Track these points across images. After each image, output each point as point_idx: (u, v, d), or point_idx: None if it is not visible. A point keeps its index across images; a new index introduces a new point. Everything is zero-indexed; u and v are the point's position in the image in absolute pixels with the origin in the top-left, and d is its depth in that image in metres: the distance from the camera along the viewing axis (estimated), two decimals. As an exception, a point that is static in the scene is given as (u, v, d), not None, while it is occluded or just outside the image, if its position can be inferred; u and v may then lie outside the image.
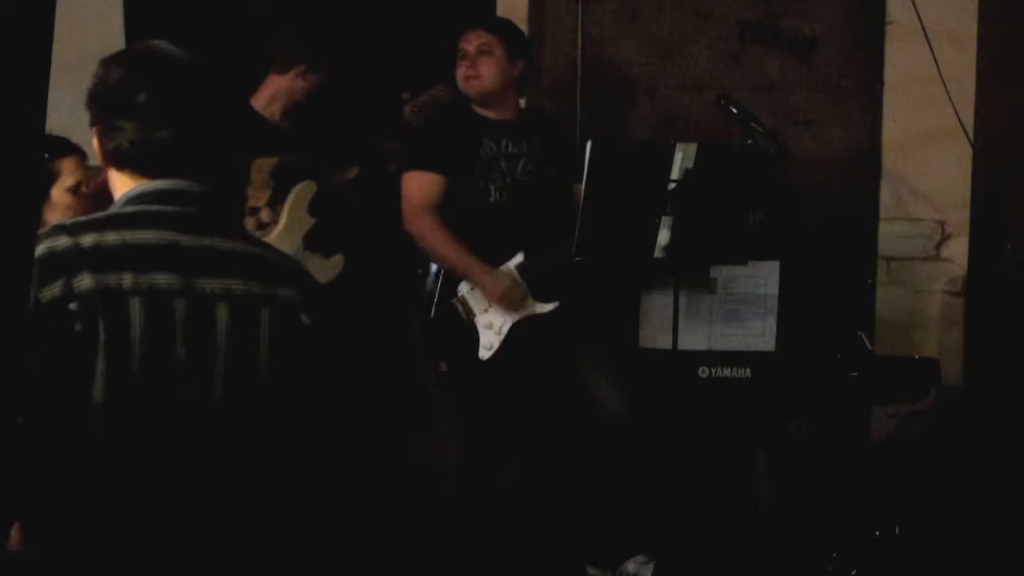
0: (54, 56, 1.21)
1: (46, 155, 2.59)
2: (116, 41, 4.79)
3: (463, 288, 4.28)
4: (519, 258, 4.28)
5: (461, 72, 4.35)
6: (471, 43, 4.35)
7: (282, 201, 4.61)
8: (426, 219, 4.28)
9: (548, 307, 4.28)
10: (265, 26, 5.03)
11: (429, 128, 4.44)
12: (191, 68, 2.13)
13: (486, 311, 4.26)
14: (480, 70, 4.33)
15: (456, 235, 4.23)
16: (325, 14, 5.06)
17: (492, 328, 4.26)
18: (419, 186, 4.31)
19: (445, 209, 4.28)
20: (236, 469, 2.08)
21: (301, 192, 4.61)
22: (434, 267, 4.37)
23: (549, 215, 4.27)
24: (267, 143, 4.63)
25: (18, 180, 1.17)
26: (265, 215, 4.59)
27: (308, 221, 4.61)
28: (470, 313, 4.27)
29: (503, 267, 4.27)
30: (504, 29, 4.42)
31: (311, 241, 4.62)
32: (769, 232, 4.45)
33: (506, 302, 4.23)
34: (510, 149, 4.31)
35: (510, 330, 4.24)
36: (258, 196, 4.61)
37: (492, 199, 4.27)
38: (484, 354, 4.24)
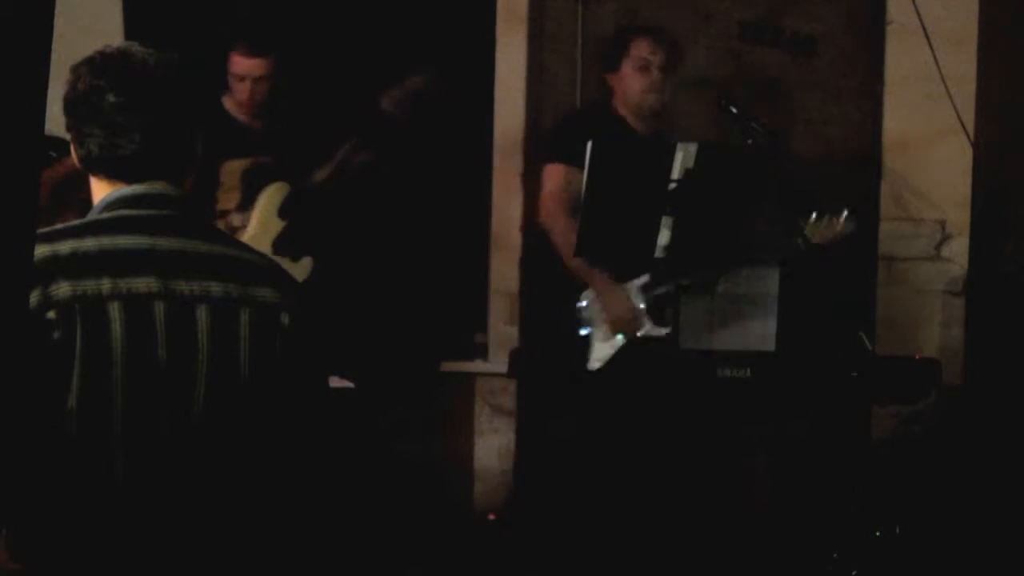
0: (54, 56, 1.21)
1: (53, 154, 2.59)
2: (115, 41, 4.78)
3: (586, 297, 4.25)
4: (644, 278, 4.24)
5: (643, 84, 4.28)
6: (657, 55, 4.29)
7: (252, 204, 4.54)
8: (560, 215, 4.21)
9: (663, 331, 4.25)
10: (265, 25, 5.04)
11: (577, 123, 4.38)
12: (160, 70, 2.12)
13: (605, 323, 4.23)
14: (665, 86, 4.29)
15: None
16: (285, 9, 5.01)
17: (608, 341, 4.23)
18: (560, 178, 4.24)
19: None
20: (219, 471, 2.07)
21: (272, 195, 4.52)
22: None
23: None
24: (237, 144, 4.56)
25: (18, 180, 1.17)
26: (236, 219, 4.52)
27: (278, 224, 4.52)
28: (588, 323, 4.24)
29: (627, 285, 4.24)
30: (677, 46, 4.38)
31: (280, 245, 4.55)
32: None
33: (619, 324, 4.20)
34: None
35: (623, 347, 4.21)
36: (228, 199, 4.54)
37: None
38: (594, 365, 4.22)
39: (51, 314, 1.96)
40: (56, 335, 1.96)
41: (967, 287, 4.98)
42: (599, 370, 4.21)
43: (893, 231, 5.05)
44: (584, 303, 4.24)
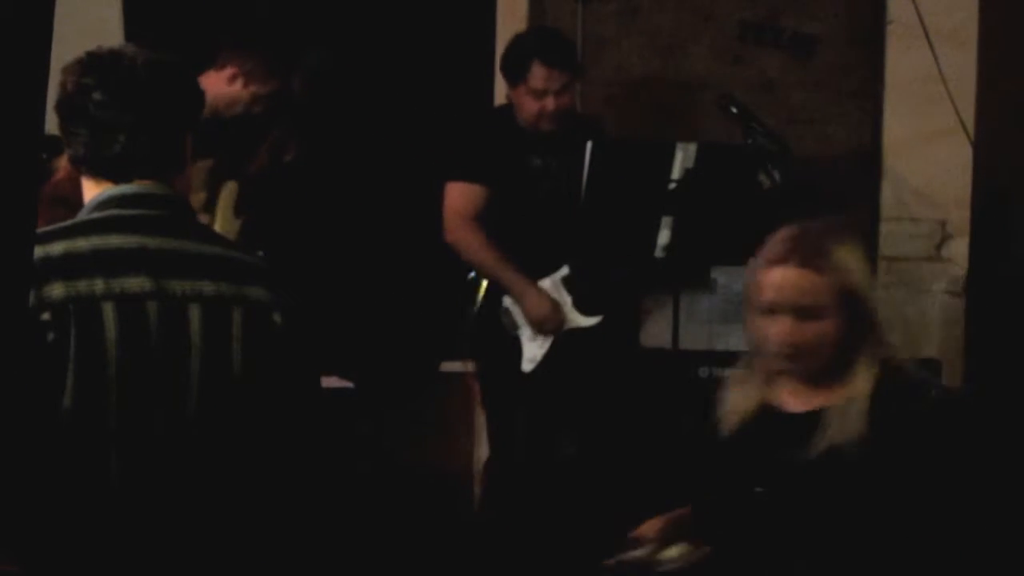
0: (53, 56, 1.20)
1: (44, 155, 2.59)
2: (115, 41, 4.77)
3: (508, 299, 4.25)
4: (564, 271, 4.25)
5: (536, 111, 4.21)
6: (554, 82, 4.19)
7: (214, 204, 4.51)
8: (466, 230, 4.22)
9: (591, 321, 4.25)
10: (265, 25, 5.04)
11: (474, 137, 4.38)
12: (148, 69, 2.12)
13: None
14: (560, 110, 4.22)
15: (501, 246, 4.19)
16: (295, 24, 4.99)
17: (536, 340, 4.24)
18: (460, 196, 4.25)
19: (490, 220, 4.22)
20: (214, 470, 2.07)
21: (228, 193, 4.50)
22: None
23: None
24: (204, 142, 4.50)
25: (17, 180, 1.17)
26: (203, 219, 4.49)
27: (236, 224, 4.51)
28: (514, 325, 4.24)
29: (547, 279, 4.24)
30: (576, 64, 4.32)
31: (241, 242, 4.52)
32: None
33: (543, 324, 4.20)
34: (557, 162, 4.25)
35: (553, 343, 4.22)
36: (195, 200, 4.50)
37: (539, 211, 4.22)
38: (527, 366, 4.23)
39: (45, 315, 1.96)
40: (50, 336, 1.96)
41: (967, 287, 4.98)
42: (532, 372, 4.22)
43: (893, 231, 5.05)
44: (507, 305, 4.25)
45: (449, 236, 4.29)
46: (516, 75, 4.24)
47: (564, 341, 4.23)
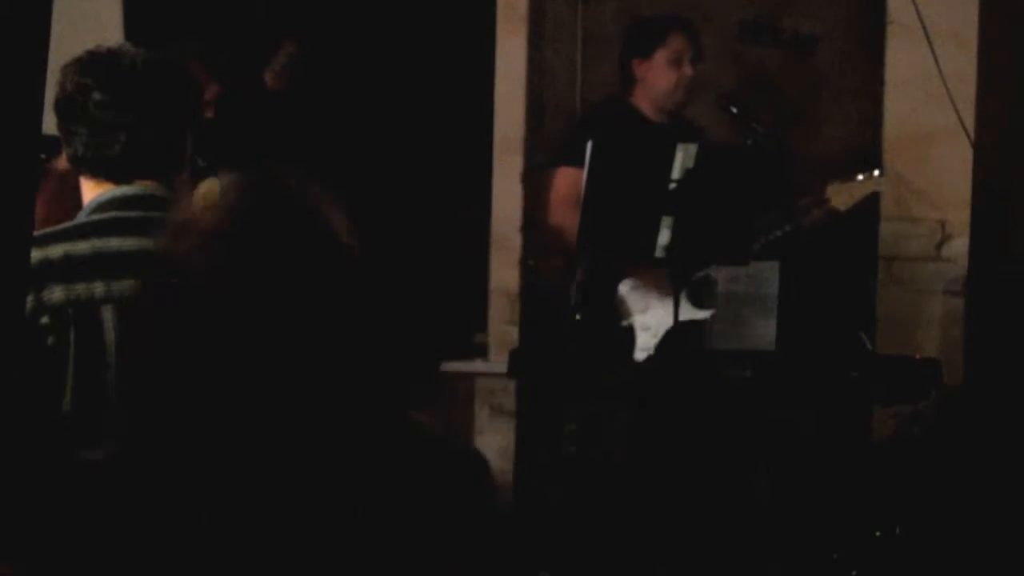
0: (52, 56, 1.20)
1: (43, 155, 2.59)
2: (115, 41, 4.77)
3: (623, 288, 4.24)
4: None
5: (674, 79, 4.30)
6: (689, 51, 4.31)
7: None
8: (571, 213, 4.22)
9: (704, 314, 4.23)
10: (265, 26, 5.04)
11: (587, 124, 4.40)
12: (148, 70, 2.11)
13: (644, 312, 4.22)
14: (691, 83, 4.32)
15: None
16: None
17: (649, 330, 4.21)
18: (566, 181, 4.27)
19: None
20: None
21: (207, 192, 4.48)
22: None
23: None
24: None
25: (15, 180, 1.17)
26: None
27: None
28: (627, 314, 4.23)
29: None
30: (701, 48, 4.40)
31: None
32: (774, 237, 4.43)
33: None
34: None
35: (666, 334, 4.20)
36: None
37: None
38: (640, 356, 4.20)
39: (44, 319, 1.96)
40: (50, 340, 1.96)
41: (967, 287, 4.98)
42: (642, 362, 4.20)
43: (893, 231, 5.05)
44: (622, 294, 4.23)
45: (554, 219, 4.32)
46: (652, 43, 4.31)
47: (677, 334, 4.20)
